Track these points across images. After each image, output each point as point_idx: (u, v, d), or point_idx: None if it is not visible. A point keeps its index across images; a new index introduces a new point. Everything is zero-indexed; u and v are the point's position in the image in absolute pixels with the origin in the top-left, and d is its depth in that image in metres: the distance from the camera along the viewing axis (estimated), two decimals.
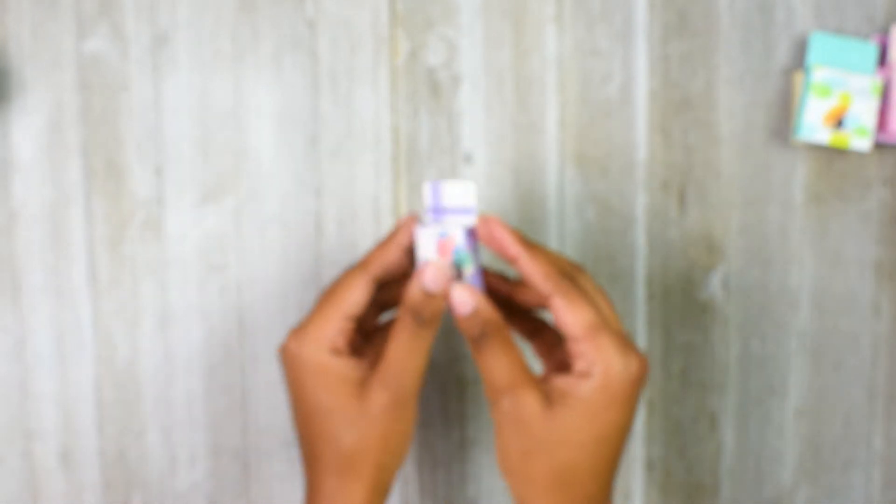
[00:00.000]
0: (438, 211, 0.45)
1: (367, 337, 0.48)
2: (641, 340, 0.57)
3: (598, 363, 0.43)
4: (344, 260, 0.55)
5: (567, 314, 0.43)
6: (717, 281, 0.57)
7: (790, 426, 0.58)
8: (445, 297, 0.44)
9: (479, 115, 0.55)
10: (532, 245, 0.45)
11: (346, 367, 0.45)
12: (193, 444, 0.55)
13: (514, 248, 0.44)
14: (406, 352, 0.44)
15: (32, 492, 0.55)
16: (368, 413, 0.44)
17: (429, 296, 0.44)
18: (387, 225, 0.55)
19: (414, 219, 0.46)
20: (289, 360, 0.45)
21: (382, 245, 0.46)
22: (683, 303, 0.57)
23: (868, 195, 0.57)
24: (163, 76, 0.54)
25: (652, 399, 0.57)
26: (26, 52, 0.53)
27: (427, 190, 0.46)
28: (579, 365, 0.44)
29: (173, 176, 0.54)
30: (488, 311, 0.44)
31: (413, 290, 0.44)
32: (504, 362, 0.44)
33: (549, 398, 0.44)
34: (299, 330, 0.45)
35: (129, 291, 0.54)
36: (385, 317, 0.49)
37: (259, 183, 0.55)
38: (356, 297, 0.45)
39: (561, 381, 0.44)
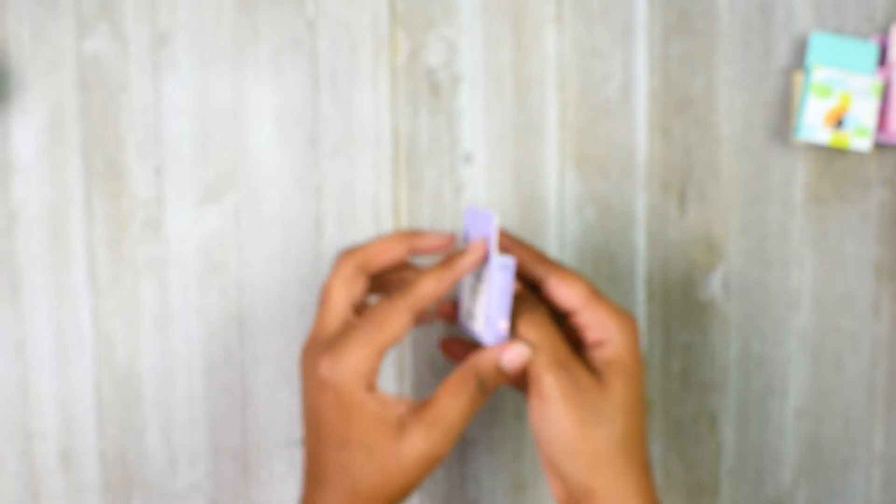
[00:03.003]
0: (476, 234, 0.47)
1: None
2: (642, 340, 0.57)
3: (606, 328, 0.45)
4: None
5: (563, 290, 0.46)
6: (717, 281, 0.57)
7: (790, 426, 0.58)
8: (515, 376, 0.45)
9: (479, 115, 0.55)
10: (518, 240, 0.48)
11: (383, 407, 0.43)
12: (193, 444, 0.55)
13: (505, 241, 0.47)
14: (458, 408, 0.43)
15: (32, 492, 0.55)
16: (403, 460, 0.43)
17: (501, 371, 0.44)
18: (387, 224, 0.55)
19: (482, 251, 0.45)
20: (317, 381, 0.43)
21: (440, 277, 0.44)
22: (683, 303, 0.57)
23: (868, 195, 0.57)
24: (163, 76, 0.54)
25: (652, 399, 0.57)
26: (26, 52, 0.53)
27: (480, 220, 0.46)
28: (591, 336, 0.46)
29: (173, 176, 0.54)
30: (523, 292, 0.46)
31: (487, 361, 0.44)
32: (549, 336, 0.44)
33: (592, 369, 0.45)
34: (335, 352, 0.43)
35: (129, 291, 0.54)
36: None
37: (259, 183, 0.55)
38: (400, 333, 0.44)
39: (589, 355, 0.45)
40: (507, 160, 0.55)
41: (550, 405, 0.43)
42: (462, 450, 0.57)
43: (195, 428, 0.55)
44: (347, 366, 0.43)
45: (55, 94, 0.53)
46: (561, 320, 0.48)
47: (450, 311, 0.50)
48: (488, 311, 0.44)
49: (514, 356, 0.44)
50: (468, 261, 0.45)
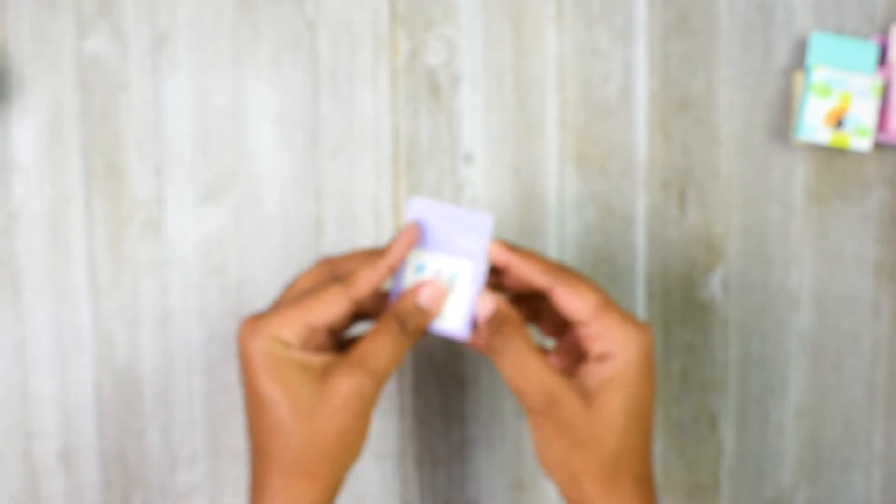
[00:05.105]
0: (437, 242, 0.46)
1: (337, 345, 0.47)
2: None
3: (614, 340, 0.44)
4: None
5: (572, 300, 0.44)
6: (717, 281, 0.57)
7: (790, 426, 0.58)
8: (434, 315, 0.45)
9: (479, 115, 0.55)
10: (518, 249, 0.46)
11: (305, 358, 0.43)
12: (193, 444, 0.55)
13: (503, 255, 0.45)
14: (382, 349, 0.44)
15: (32, 492, 0.55)
16: (329, 402, 0.43)
17: (420, 310, 0.45)
18: (387, 225, 0.55)
19: (412, 234, 0.45)
20: (241, 347, 0.44)
21: (374, 264, 0.45)
22: (683, 303, 0.57)
23: (868, 195, 0.57)
24: (163, 76, 0.54)
25: None
26: (26, 52, 0.53)
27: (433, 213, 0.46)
28: (596, 348, 0.44)
29: (173, 176, 0.54)
30: (507, 310, 0.45)
31: (406, 302, 0.45)
32: (533, 368, 0.44)
33: (584, 393, 0.44)
34: (259, 318, 0.43)
35: (129, 291, 0.54)
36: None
37: (259, 183, 0.55)
38: (329, 315, 0.44)
39: (588, 371, 0.44)
40: (507, 160, 0.55)
41: (536, 431, 0.45)
42: (462, 449, 0.57)
43: (195, 428, 0.55)
44: (268, 329, 0.43)
45: (55, 94, 0.53)
46: (565, 328, 0.47)
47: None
48: (466, 310, 0.46)
49: (430, 293, 0.45)
50: (401, 246, 0.45)
